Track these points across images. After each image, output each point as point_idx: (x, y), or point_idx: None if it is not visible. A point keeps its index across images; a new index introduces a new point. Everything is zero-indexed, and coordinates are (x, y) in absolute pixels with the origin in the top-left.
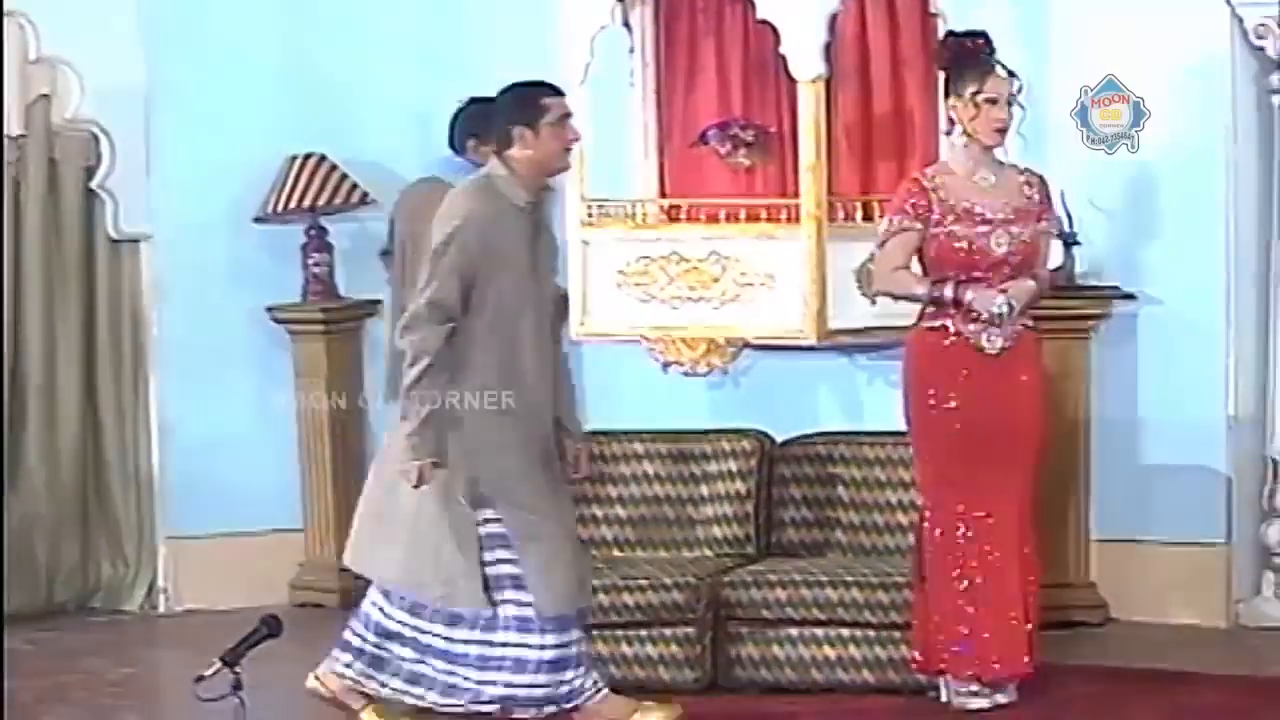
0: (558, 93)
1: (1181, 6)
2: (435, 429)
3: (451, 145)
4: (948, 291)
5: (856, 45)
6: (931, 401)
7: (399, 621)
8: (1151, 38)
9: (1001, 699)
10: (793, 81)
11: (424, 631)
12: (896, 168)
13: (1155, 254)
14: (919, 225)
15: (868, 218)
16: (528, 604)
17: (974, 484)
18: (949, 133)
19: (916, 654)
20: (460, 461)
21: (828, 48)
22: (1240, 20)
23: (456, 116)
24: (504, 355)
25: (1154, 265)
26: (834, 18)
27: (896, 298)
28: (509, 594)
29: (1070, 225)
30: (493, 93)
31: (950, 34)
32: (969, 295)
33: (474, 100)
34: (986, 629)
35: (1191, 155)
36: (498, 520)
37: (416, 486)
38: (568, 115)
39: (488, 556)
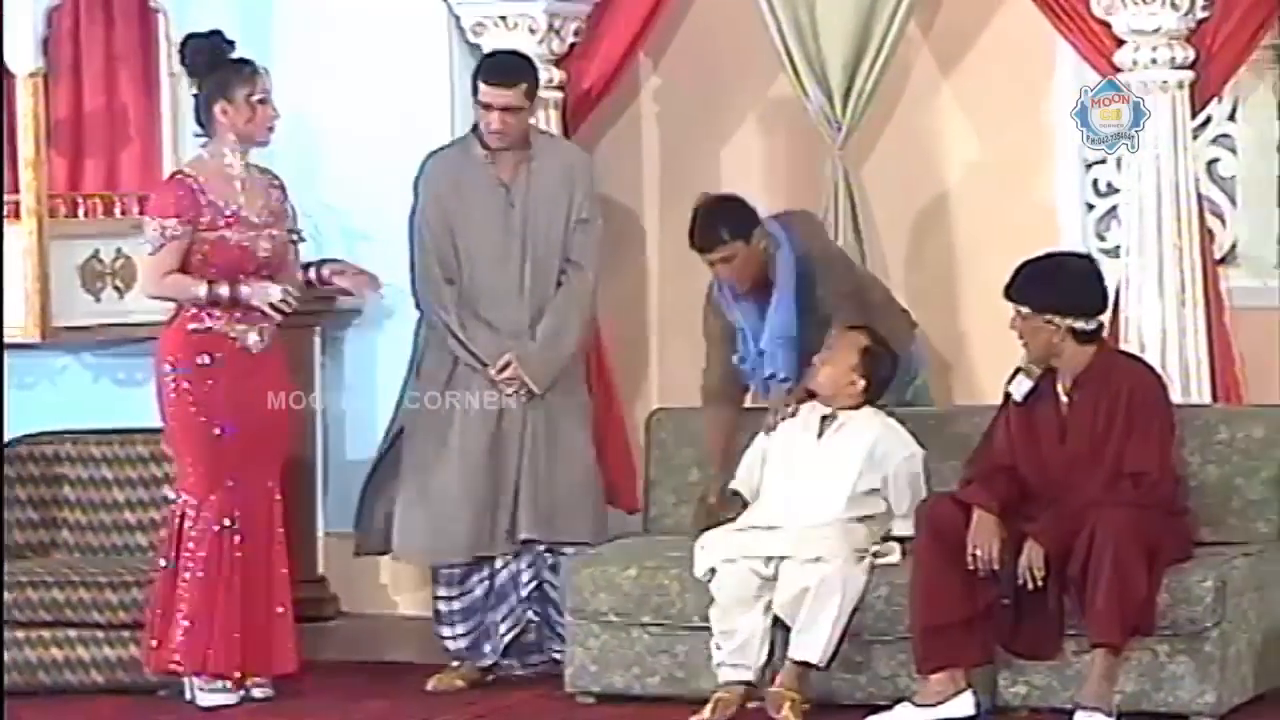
0: (497, 85)
1: None
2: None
3: None
4: (224, 290)
5: (71, 39)
6: (191, 400)
7: None
8: None
9: (257, 694)
10: (10, 75)
11: None
12: (108, 164)
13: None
14: (189, 228)
15: (88, 214)
16: None
17: (236, 479)
18: (200, 135)
19: (155, 650)
20: None
21: (45, 42)
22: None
23: None
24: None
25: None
26: (51, 11)
27: (178, 301)
28: None
29: (296, 222)
30: None
31: (190, 37)
32: (245, 291)
33: None
34: (243, 623)
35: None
36: None
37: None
38: (489, 107)
39: None
